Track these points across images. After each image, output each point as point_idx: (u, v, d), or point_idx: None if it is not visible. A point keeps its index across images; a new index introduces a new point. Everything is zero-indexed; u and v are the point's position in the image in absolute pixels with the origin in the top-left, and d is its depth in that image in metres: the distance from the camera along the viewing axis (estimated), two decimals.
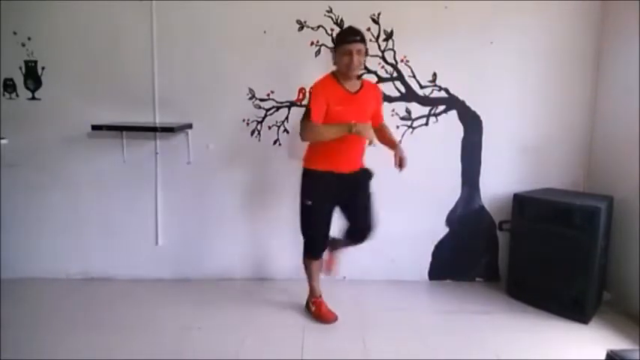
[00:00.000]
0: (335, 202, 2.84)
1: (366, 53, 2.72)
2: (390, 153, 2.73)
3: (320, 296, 2.95)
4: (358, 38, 2.61)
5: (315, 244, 2.86)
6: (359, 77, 2.81)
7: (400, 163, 2.70)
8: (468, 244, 3.45)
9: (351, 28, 2.69)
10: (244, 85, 3.28)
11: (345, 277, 3.45)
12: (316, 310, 2.91)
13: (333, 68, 2.68)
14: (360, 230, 2.91)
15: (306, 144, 2.79)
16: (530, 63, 3.30)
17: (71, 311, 2.94)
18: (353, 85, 2.72)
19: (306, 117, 2.63)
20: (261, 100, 3.30)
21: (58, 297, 3.15)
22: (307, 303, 2.98)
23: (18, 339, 2.59)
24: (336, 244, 3.05)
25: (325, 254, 3.01)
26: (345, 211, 2.90)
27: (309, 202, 2.76)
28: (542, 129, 3.36)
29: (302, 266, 2.94)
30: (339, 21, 3.21)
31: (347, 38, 2.62)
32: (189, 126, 3.28)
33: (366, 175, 2.86)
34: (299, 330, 2.72)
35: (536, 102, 3.34)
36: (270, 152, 3.35)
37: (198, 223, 3.41)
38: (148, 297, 3.16)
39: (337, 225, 2.94)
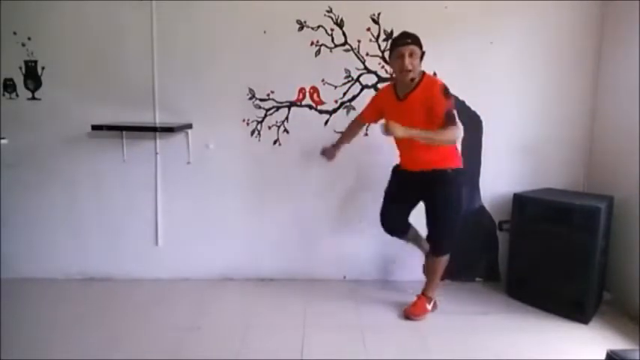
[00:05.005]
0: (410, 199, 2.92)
1: (422, 57, 2.66)
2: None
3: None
4: (409, 40, 2.62)
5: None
6: (419, 80, 2.66)
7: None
8: (468, 244, 3.44)
9: (403, 32, 2.69)
10: (244, 85, 3.28)
11: (345, 277, 3.45)
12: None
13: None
14: (428, 237, 2.94)
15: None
16: (529, 63, 3.29)
17: (71, 311, 2.94)
18: (404, 89, 2.69)
19: None
20: (261, 100, 3.30)
21: (57, 297, 3.15)
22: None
23: (18, 339, 2.59)
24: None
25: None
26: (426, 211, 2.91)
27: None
28: (542, 129, 3.36)
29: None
30: (339, 21, 3.21)
31: (398, 41, 2.64)
32: (189, 126, 3.28)
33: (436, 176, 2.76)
34: (299, 330, 2.72)
35: (536, 102, 3.33)
36: (270, 152, 3.35)
37: (197, 223, 3.41)
38: (148, 297, 3.16)
39: None
